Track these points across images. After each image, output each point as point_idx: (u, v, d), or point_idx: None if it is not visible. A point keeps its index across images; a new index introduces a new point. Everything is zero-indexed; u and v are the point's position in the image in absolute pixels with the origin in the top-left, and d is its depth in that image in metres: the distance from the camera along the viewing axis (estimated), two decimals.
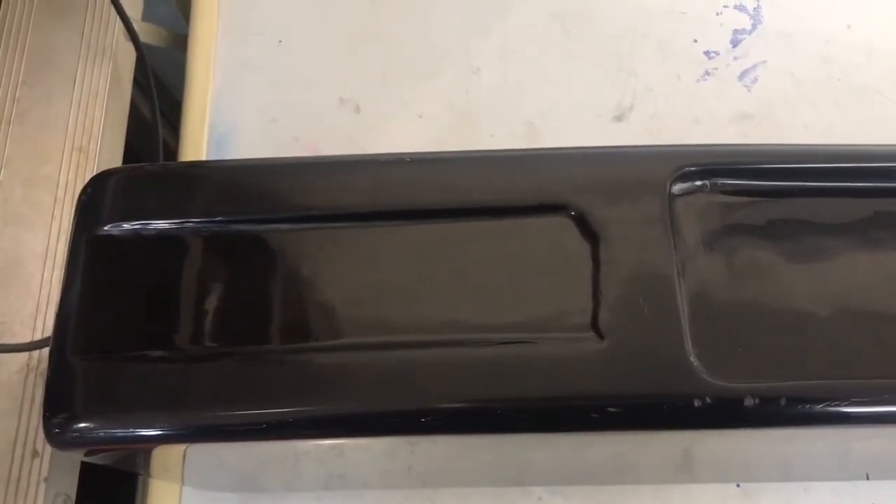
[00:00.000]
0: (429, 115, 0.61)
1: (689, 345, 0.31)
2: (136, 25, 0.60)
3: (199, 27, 0.64)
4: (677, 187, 0.33)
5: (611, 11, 0.64)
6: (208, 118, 0.61)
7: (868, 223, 0.33)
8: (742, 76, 0.61)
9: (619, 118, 0.60)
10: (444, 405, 0.31)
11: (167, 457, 0.43)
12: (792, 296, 0.32)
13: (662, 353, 0.30)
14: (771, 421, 0.30)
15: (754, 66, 0.61)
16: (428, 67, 0.63)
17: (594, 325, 0.31)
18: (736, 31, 0.63)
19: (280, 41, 0.64)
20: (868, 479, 0.49)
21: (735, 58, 0.62)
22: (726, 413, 0.30)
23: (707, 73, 0.61)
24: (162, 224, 0.34)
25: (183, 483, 0.50)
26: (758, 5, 0.63)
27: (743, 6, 0.63)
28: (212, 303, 0.34)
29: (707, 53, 0.62)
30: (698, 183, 0.33)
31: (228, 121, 0.61)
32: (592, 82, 0.62)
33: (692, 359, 0.30)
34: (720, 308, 0.32)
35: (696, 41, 0.62)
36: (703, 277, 0.32)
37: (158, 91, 0.63)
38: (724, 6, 0.63)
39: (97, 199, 0.35)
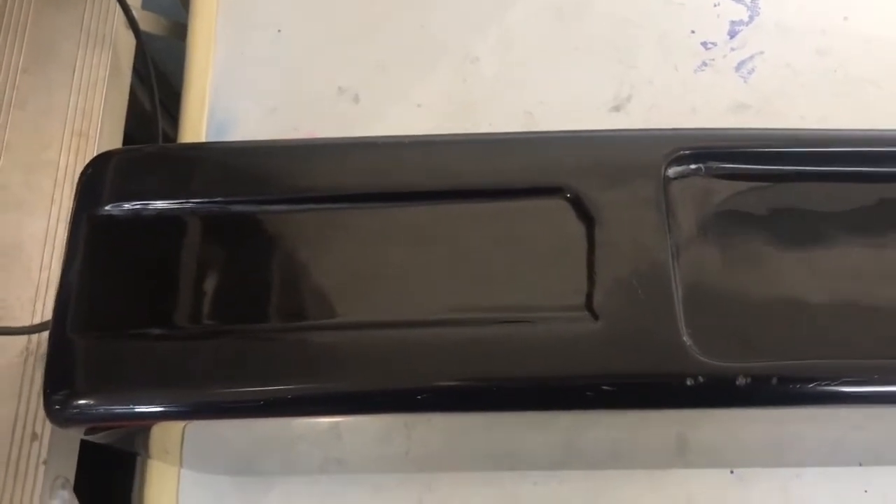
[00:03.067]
0: (427, 104, 0.62)
1: (682, 325, 0.31)
2: (135, 14, 0.61)
3: (199, 16, 0.65)
4: (672, 170, 0.34)
5: (609, 3, 0.64)
6: (207, 107, 0.61)
7: (862, 207, 0.34)
8: (739, 67, 0.61)
9: (616, 109, 0.61)
10: (440, 383, 0.31)
11: (166, 438, 0.43)
12: (785, 278, 0.33)
13: (656, 333, 0.31)
14: (762, 400, 0.31)
15: (751, 57, 0.62)
16: (427, 57, 0.63)
17: (589, 305, 0.32)
18: (733, 23, 0.63)
19: (279, 30, 0.64)
20: (861, 465, 0.50)
21: (732, 49, 0.62)
22: (718, 392, 0.30)
23: (704, 64, 0.62)
24: (162, 204, 0.35)
25: (181, 465, 0.50)
26: None
27: None
28: (211, 282, 0.34)
29: (704, 44, 0.62)
30: (693, 166, 0.34)
31: (227, 110, 0.61)
32: (590, 73, 0.62)
33: (685, 339, 0.31)
34: (714, 289, 0.32)
35: (693, 32, 0.63)
36: (698, 259, 0.33)
37: (158, 80, 0.63)
38: None
39: (98, 179, 0.35)
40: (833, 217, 0.33)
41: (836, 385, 0.30)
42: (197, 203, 0.35)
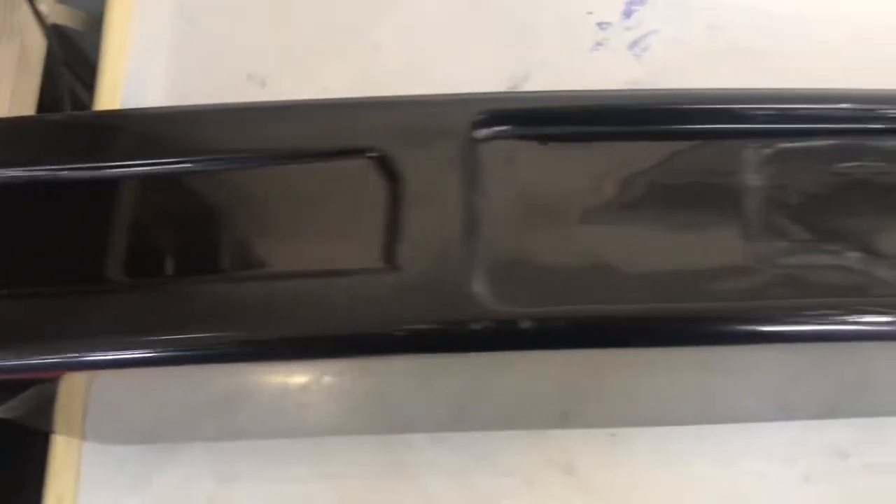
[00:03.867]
0: (333, 89, 0.63)
1: (475, 275, 0.33)
2: (49, 8, 0.63)
3: (115, 8, 0.67)
4: (482, 132, 0.36)
5: None
6: (120, 97, 0.64)
7: (662, 165, 0.35)
8: (632, 46, 0.63)
9: (513, 89, 0.63)
10: (252, 335, 0.33)
11: (68, 410, 0.46)
12: (585, 233, 0.35)
13: (447, 283, 0.33)
14: (547, 343, 0.33)
15: (645, 36, 0.63)
16: (334, 44, 0.65)
17: (389, 258, 0.34)
18: (629, 3, 0.65)
19: (192, 20, 0.66)
20: (735, 423, 0.52)
21: (627, 28, 0.64)
22: (504, 336, 0.32)
23: (599, 44, 0.63)
24: (28, 171, 0.37)
25: (85, 438, 0.53)
26: None
27: None
28: (78, 242, 0.36)
29: (601, 25, 0.64)
30: (502, 128, 0.36)
31: (139, 99, 0.63)
32: (490, 55, 0.64)
33: (476, 287, 0.33)
34: (514, 243, 0.34)
35: (590, 13, 0.64)
36: (502, 215, 0.35)
37: (76, 73, 0.66)
38: None
39: None
40: (635, 174, 0.35)
41: (615, 327, 0.32)
42: (65, 168, 0.37)
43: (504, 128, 0.35)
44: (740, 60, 0.63)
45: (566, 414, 0.50)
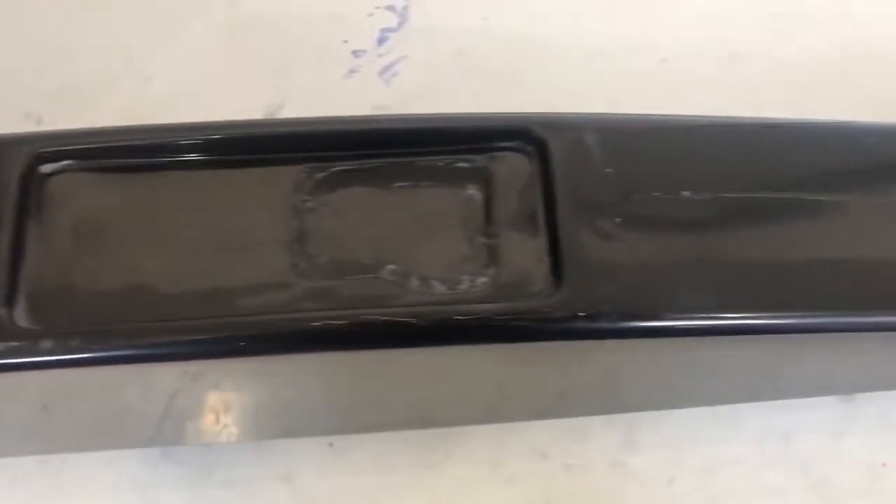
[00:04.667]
0: (104, 122, 0.67)
1: (15, 302, 0.37)
2: None
3: None
4: (46, 167, 0.39)
5: (276, 20, 0.69)
6: None
7: (219, 191, 0.39)
8: (383, 72, 0.66)
9: (269, 115, 0.66)
10: None
11: None
12: (135, 258, 0.37)
13: None
14: (72, 361, 0.36)
15: (395, 62, 0.67)
16: (107, 77, 0.68)
17: None
18: (383, 30, 0.68)
19: None
20: (438, 427, 0.54)
21: (379, 55, 0.67)
22: (27, 356, 0.35)
23: (352, 71, 0.67)
24: None
25: None
26: (406, 5, 0.69)
27: (392, 6, 0.69)
28: None
29: (355, 53, 0.67)
30: (66, 163, 0.39)
31: None
32: (251, 84, 0.67)
33: (13, 313, 0.36)
34: (60, 270, 0.37)
35: (346, 42, 0.68)
36: (53, 244, 0.38)
37: None
38: (377, 7, 0.69)
39: None
40: (188, 202, 0.39)
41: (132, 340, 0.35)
42: None
43: (69, 162, 0.39)
44: (485, 83, 0.66)
45: (283, 427, 0.53)
